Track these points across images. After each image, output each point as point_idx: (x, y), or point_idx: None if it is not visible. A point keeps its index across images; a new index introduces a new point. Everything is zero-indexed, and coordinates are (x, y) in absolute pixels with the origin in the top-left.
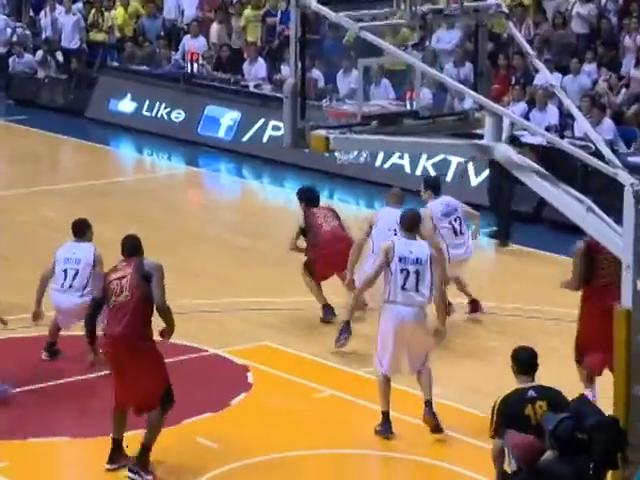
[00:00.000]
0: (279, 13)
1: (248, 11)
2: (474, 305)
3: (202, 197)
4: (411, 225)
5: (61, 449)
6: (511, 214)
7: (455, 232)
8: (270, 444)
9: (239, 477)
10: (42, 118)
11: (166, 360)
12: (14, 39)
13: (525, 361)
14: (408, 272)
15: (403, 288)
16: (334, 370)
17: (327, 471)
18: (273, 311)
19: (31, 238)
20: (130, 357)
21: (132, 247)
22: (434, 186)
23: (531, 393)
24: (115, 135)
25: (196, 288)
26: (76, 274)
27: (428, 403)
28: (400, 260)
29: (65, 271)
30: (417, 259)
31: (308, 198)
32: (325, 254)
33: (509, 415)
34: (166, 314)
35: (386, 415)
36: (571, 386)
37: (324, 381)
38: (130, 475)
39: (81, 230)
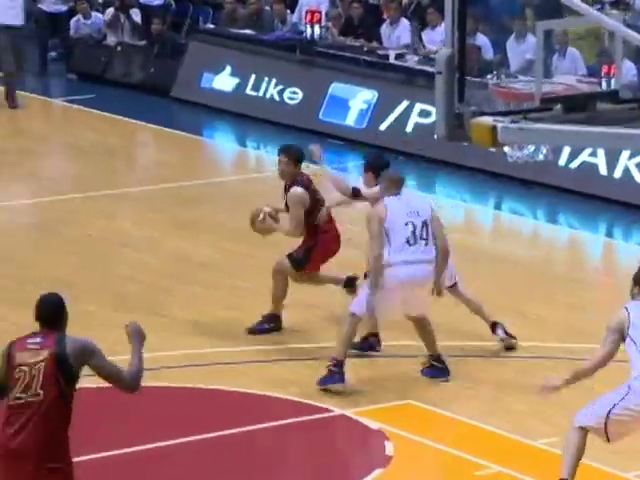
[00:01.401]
0: None
1: None
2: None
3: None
4: None
5: None
6: None
7: None
8: None
9: None
10: (113, 98)
11: (278, 422)
12: None
13: None
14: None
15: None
16: (500, 438)
17: None
18: (419, 358)
19: (100, 257)
20: None
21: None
22: None
23: None
24: (210, 121)
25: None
26: None
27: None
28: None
29: None
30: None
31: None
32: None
33: None
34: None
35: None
36: None
37: (487, 453)
38: None
39: None
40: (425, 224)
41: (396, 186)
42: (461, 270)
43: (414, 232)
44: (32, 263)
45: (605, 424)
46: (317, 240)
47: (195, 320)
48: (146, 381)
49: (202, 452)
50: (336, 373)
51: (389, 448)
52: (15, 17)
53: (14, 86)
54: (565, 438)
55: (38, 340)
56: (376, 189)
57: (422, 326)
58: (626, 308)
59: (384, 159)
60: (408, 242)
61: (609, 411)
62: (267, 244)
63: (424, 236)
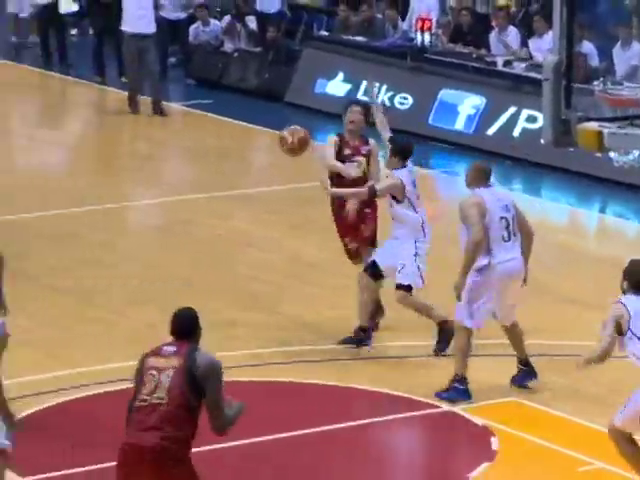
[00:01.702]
0: None
1: None
2: None
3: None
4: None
5: None
6: None
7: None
8: None
9: None
10: (230, 103)
11: (388, 417)
12: (199, 0)
13: None
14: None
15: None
16: (604, 436)
17: None
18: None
19: (224, 256)
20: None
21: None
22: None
23: None
24: (322, 125)
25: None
26: None
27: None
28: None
29: None
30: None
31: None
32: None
33: None
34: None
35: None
36: None
37: (591, 450)
38: None
39: None
40: (514, 219)
41: (486, 177)
42: (564, 270)
43: (507, 228)
44: (157, 263)
45: None
46: None
47: (309, 317)
48: (261, 377)
49: (315, 444)
50: (460, 390)
51: (495, 443)
52: (147, 26)
53: (158, 94)
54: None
55: (172, 349)
56: (390, 182)
57: (511, 330)
58: (622, 302)
59: (412, 147)
60: (504, 239)
61: None
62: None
63: (515, 232)
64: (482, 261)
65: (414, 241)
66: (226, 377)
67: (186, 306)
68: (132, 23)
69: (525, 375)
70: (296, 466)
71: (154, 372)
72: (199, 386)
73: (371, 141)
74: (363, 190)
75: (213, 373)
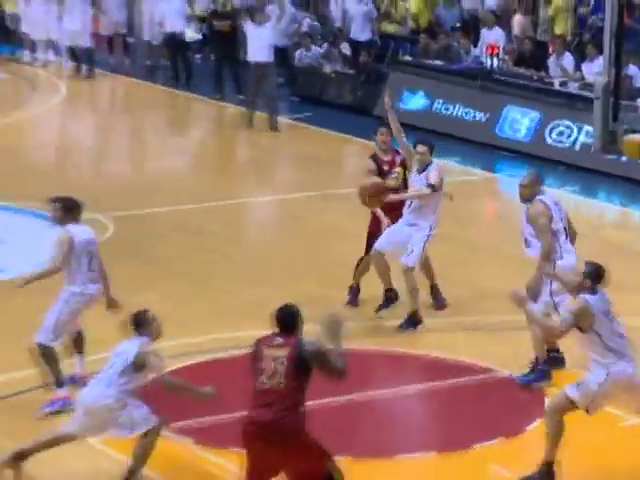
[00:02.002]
0: (592, 1)
1: (558, 0)
2: None
3: (498, 206)
4: None
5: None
6: None
7: None
8: (563, 475)
9: None
10: (328, 116)
11: (459, 379)
12: (303, 30)
13: None
14: None
15: None
16: None
17: None
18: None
19: (317, 245)
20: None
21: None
22: None
23: None
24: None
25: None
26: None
27: None
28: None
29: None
30: None
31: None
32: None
33: None
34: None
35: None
36: None
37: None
38: None
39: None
40: (568, 221)
41: (541, 184)
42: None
43: (565, 229)
44: (265, 249)
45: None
46: None
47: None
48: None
49: (388, 405)
50: (541, 372)
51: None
52: (267, 55)
53: (274, 113)
54: None
55: (281, 340)
56: (437, 172)
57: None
58: (587, 300)
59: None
60: (565, 239)
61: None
62: (447, 240)
63: (568, 232)
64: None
65: (429, 228)
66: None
67: (288, 303)
68: (254, 53)
69: (539, 375)
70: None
71: (270, 361)
72: (308, 368)
73: (399, 150)
74: (426, 190)
75: (318, 353)
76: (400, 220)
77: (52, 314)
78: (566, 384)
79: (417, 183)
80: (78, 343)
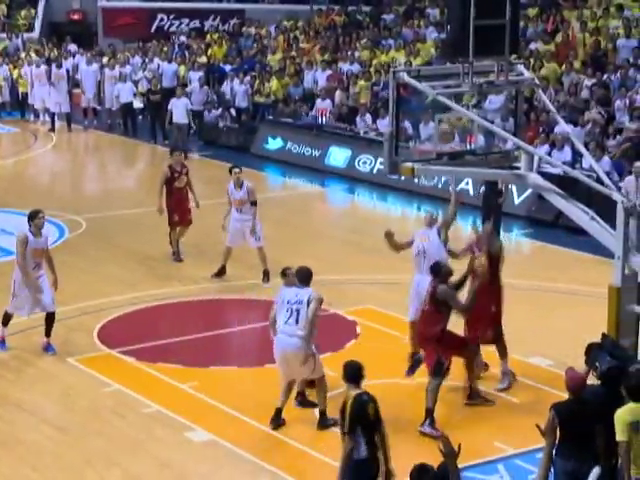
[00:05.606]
0: (381, 83)
1: (361, 82)
2: None
3: (325, 208)
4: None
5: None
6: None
7: None
8: (371, 374)
9: None
10: (221, 154)
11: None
12: (208, 100)
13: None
14: None
15: None
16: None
17: (408, 391)
18: (375, 285)
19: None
20: None
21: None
22: None
23: None
24: (269, 165)
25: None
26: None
27: None
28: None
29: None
30: None
31: None
32: None
33: None
34: None
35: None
36: None
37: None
38: None
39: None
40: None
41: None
42: None
43: None
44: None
45: None
46: None
47: None
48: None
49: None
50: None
51: (358, 329)
52: (184, 117)
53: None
54: None
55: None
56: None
57: None
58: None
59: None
60: None
61: None
62: (292, 227)
63: None
64: None
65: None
66: None
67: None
68: (176, 116)
69: None
70: None
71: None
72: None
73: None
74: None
75: (450, 296)
76: None
77: None
78: None
79: None
80: None
